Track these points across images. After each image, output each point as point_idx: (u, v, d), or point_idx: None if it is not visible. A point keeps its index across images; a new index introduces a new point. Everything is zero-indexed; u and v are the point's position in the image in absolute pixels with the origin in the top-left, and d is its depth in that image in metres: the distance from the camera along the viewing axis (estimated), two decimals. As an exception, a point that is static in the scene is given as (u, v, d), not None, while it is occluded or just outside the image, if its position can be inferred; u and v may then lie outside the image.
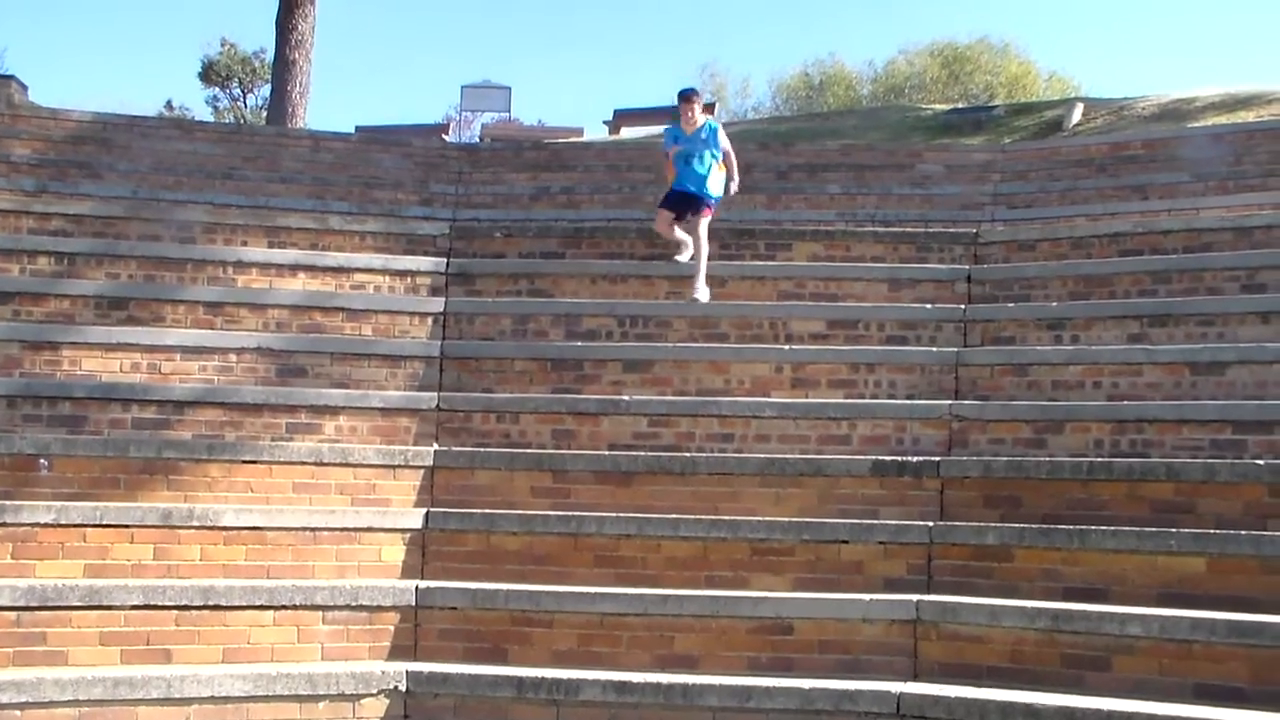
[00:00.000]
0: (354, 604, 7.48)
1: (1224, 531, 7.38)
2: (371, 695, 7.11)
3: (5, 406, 8.92)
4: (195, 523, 7.79)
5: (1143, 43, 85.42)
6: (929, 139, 18.58)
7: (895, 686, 6.98)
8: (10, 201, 12.00)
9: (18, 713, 6.64)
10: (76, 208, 12.08)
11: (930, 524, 7.99)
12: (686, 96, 11.52)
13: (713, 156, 11.21)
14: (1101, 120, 18.68)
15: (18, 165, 14.57)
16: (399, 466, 8.72)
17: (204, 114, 41.25)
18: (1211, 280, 10.33)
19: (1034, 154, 16.05)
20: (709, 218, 11.15)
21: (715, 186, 11.21)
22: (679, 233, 11.25)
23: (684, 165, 11.20)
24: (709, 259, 10.97)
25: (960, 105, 27.22)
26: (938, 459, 8.61)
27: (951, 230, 12.40)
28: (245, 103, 42.30)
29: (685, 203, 11.22)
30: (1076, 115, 18.95)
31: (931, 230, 12.54)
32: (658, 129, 23.92)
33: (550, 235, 12.17)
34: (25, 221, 11.47)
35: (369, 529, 8.11)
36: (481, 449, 9.07)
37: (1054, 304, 10.45)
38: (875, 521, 8.12)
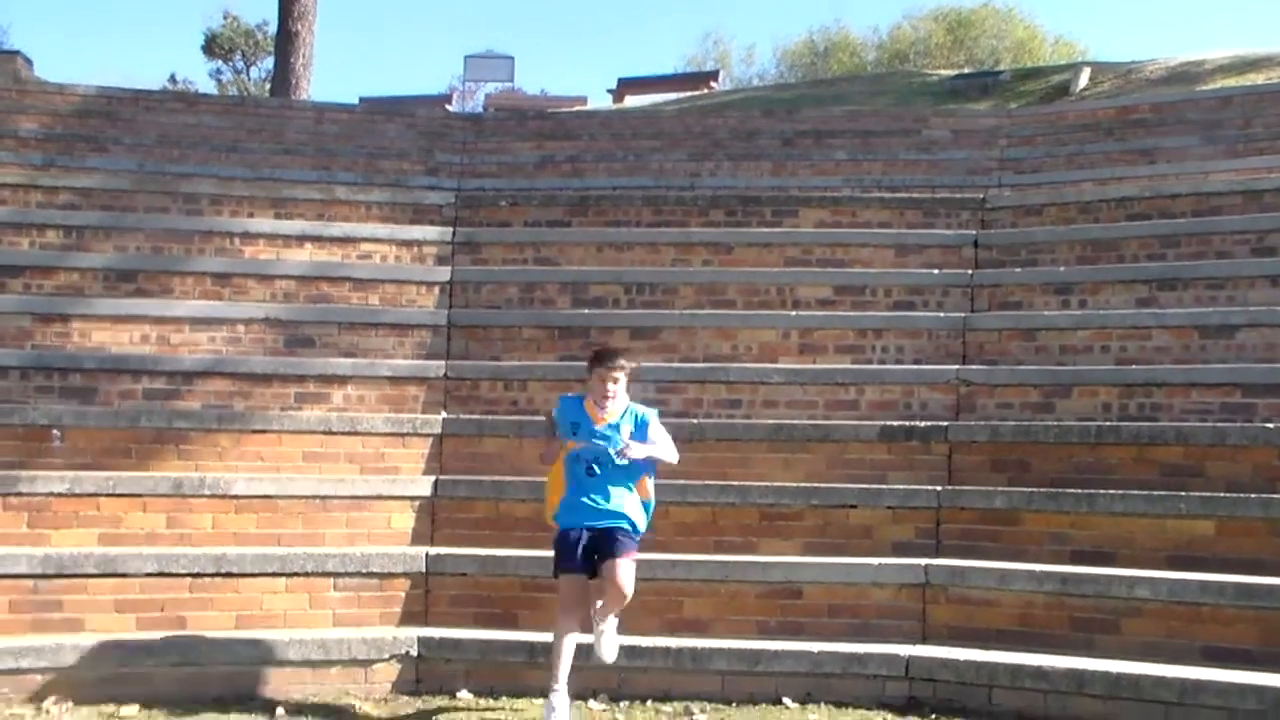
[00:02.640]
0: (365, 571, 7.52)
1: (1233, 494, 7.40)
2: (383, 661, 7.16)
3: (17, 378, 8.96)
4: (206, 491, 7.83)
5: (1151, 6, 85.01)
6: (935, 105, 18.52)
7: (904, 650, 7.02)
8: (19, 176, 12.03)
9: (38, 677, 6.71)
10: (84, 181, 12.11)
11: (938, 488, 8.02)
12: (606, 362, 6.70)
13: (639, 467, 6.65)
14: (1109, 84, 18.61)
15: (25, 140, 14.59)
16: (408, 435, 8.75)
17: (207, 87, 41.22)
18: (1220, 244, 10.31)
19: (1041, 118, 16.00)
20: (631, 560, 6.54)
21: (636, 511, 6.62)
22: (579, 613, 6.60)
23: (584, 475, 6.55)
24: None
25: (966, 70, 27.11)
26: (946, 424, 8.63)
27: (958, 195, 12.37)
28: (248, 75, 42.24)
29: (596, 545, 6.52)
30: (1084, 79, 18.88)
31: (938, 195, 12.53)
32: (663, 97, 24.03)
33: (556, 204, 12.18)
34: (34, 195, 11.54)
35: (378, 497, 8.14)
36: (490, 416, 9.09)
37: (1061, 268, 10.44)
38: (884, 486, 8.14)
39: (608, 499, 6.49)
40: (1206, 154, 13.77)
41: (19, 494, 7.57)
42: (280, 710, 6.67)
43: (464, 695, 7.02)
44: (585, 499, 6.50)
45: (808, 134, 15.93)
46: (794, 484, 8.17)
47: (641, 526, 6.59)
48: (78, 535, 7.59)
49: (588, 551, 6.45)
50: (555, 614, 6.54)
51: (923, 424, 8.63)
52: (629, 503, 6.55)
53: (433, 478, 8.36)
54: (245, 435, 8.53)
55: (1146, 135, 14.64)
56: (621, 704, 6.84)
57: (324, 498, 8.03)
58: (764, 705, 6.84)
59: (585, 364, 6.81)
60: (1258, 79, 16.89)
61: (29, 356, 9.19)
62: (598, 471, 6.50)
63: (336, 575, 7.48)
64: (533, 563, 7.52)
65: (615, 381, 6.63)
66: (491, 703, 6.92)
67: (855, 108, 17.96)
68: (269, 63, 28.34)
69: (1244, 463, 7.78)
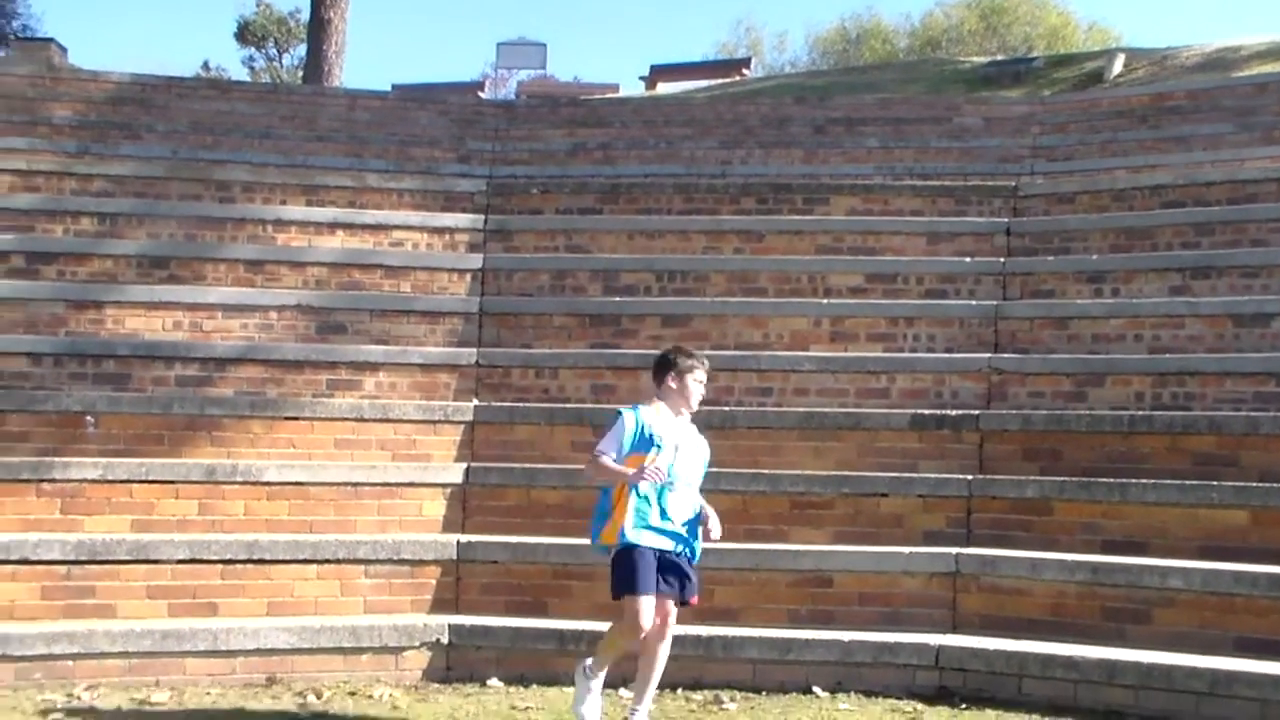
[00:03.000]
0: (396, 558, 7.55)
1: (1267, 484, 7.35)
2: (414, 648, 7.18)
3: (51, 365, 9.03)
4: (239, 478, 7.88)
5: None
6: (967, 92, 18.40)
7: (935, 639, 7.01)
8: (53, 163, 12.11)
9: (70, 663, 6.76)
10: (118, 169, 12.18)
11: (969, 477, 7.99)
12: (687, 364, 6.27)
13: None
14: (1143, 71, 18.45)
15: (59, 127, 14.68)
16: (439, 422, 8.77)
17: (240, 74, 41.35)
18: (1255, 232, 10.23)
19: (1074, 106, 15.88)
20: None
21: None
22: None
23: (664, 496, 5.94)
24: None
25: (999, 58, 26.91)
26: (977, 412, 8.60)
27: (990, 183, 12.30)
28: (281, 63, 42.40)
29: (672, 570, 5.99)
30: (1118, 66, 18.72)
31: (970, 183, 12.45)
32: (695, 84, 23.98)
33: (587, 191, 12.17)
34: (68, 183, 11.61)
35: (410, 484, 8.17)
36: (521, 404, 9.11)
37: (1094, 256, 10.37)
38: (915, 475, 8.12)
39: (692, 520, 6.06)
40: (1242, 141, 13.65)
41: (52, 480, 7.63)
42: (311, 697, 6.71)
43: (494, 683, 7.04)
44: (672, 519, 5.95)
45: (839, 121, 15.86)
46: (825, 472, 8.16)
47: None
48: (110, 522, 7.64)
49: (669, 569, 5.94)
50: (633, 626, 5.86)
51: (954, 412, 8.60)
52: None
53: (464, 465, 8.38)
54: (277, 422, 8.57)
55: (1181, 122, 14.52)
56: (651, 692, 6.84)
57: (355, 485, 8.06)
58: (794, 694, 6.84)
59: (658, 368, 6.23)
60: (1295, 65, 16.72)
61: (63, 343, 9.25)
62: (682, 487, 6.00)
63: (368, 562, 7.51)
64: (564, 550, 7.53)
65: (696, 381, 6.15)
66: (522, 690, 6.94)
67: (887, 95, 17.87)
68: (302, 50, 28.40)
69: (1278, 452, 7.72)
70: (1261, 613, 6.62)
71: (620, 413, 6.08)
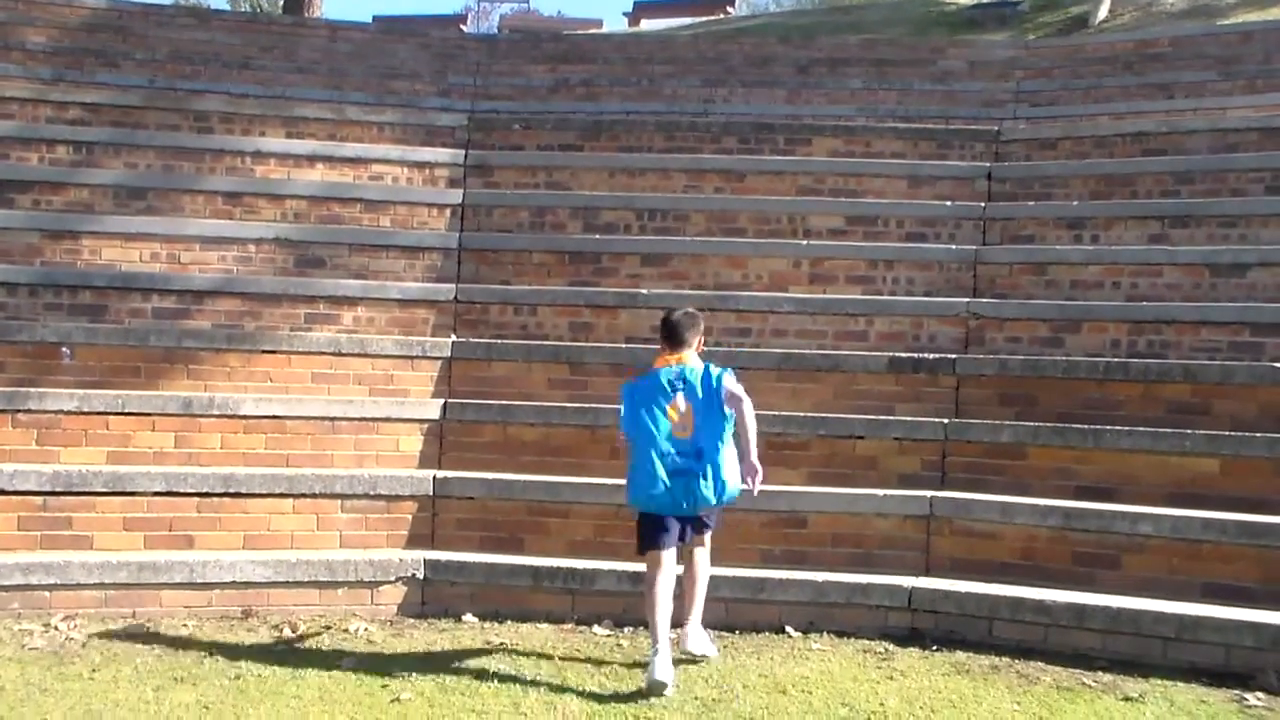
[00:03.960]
0: (372, 493, 7.56)
1: (1239, 433, 7.41)
2: (389, 582, 7.22)
3: (27, 295, 8.98)
4: (215, 411, 7.87)
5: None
6: (952, 34, 18.33)
7: (907, 581, 7.07)
8: (28, 90, 11.97)
9: (47, 594, 6.78)
10: (94, 96, 12.05)
11: (945, 421, 8.03)
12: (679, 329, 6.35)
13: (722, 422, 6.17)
14: (1129, 16, 18.40)
15: (33, 53, 14.48)
16: (417, 357, 8.78)
17: (220, 3, 40.82)
18: (1235, 181, 10.25)
19: (1058, 51, 15.83)
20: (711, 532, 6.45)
21: (730, 476, 6.17)
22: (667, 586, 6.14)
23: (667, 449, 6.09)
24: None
25: (984, 0, 26.80)
26: (954, 356, 8.63)
27: (973, 127, 12.29)
28: (262, -9, 41.83)
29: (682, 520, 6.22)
30: (1103, 11, 18.65)
31: (952, 127, 12.45)
32: (678, 21, 23.81)
33: (568, 128, 12.12)
34: (43, 110, 11.47)
35: (387, 419, 8.17)
36: (499, 340, 9.10)
37: (1074, 203, 10.39)
38: (891, 418, 8.16)
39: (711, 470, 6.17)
40: (1225, 90, 13.64)
41: (28, 411, 7.61)
42: (286, 630, 6.74)
43: (469, 618, 7.08)
44: (676, 472, 6.12)
45: (823, 62, 15.78)
46: (801, 414, 8.18)
47: (733, 491, 6.19)
48: (86, 453, 7.64)
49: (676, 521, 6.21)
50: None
51: (931, 356, 8.63)
52: (727, 468, 6.18)
53: (441, 401, 8.39)
54: (254, 355, 8.56)
55: (1165, 70, 14.49)
56: (625, 629, 6.89)
57: (333, 419, 8.06)
58: (767, 633, 6.90)
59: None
60: (1280, 14, 16.69)
61: (38, 273, 9.20)
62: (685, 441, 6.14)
63: (344, 497, 7.52)
64: (540, 487, 7.56)
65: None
66: (497, 626, 6.98)
67: (871, 36, 17.78)
68: (282, -21, 28.02)
69: (1250, 402, 7.78)
70: (1229, 559, 6.69)
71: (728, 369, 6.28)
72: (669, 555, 6.10)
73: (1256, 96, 13.10)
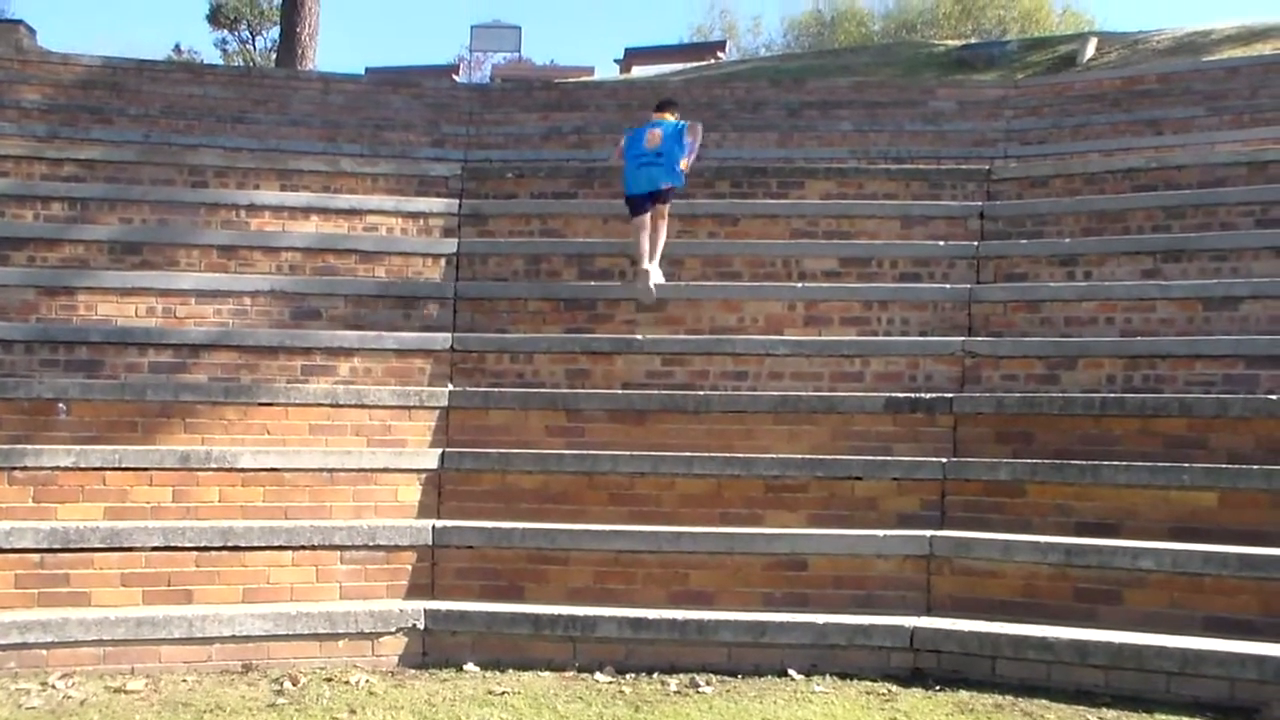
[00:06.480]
0: (371, 544, 7.54)
1: (1236, 466, 7.41)
2: (390, 634, 7.19)
3: (23, 351, 8.99)
4: (213, 464, 7.85)
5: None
6: (941, 75, 18.46)
7: (909, 621, 7.05)
8: (22, 147, 12.03)
9: (44, 652, 6.73)
10: (88, 153, 12.11)
11: (943, 460, 8.03)
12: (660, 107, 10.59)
13: (679, 146, 10.12)
14: (1115, 55, 18.53)
15: (28, 111, 14.57)
16: (414, 407, 8.77)
17: (212, 57, 41.22)
18: (1225, 215, 10.32)
19: (1047, 89, 15.96)
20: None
21: (680, 171, 10.16)
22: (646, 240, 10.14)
23: (643, 154, 10.17)
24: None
25: (973, 41, 27.01)
26: (950, 395, 8.64)
27: (964, 167, 12.37)
28: (254, 45, 42.23)
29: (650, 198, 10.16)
30: (1090, 50, 18.80)
31: (944, 167, 12.52)
32: (669, 67, 23.95)
33: (562, 175, 12.18)
34: (38, 167, 11.53)
35: (385, 469, 8.16)
36: (496, 389, 9.11)
37: (1067, 240, 10.44)
38: (889, 458, 8.15)
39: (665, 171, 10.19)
40: (1212, 125, 13.76)
41: (24, 468, 7.59)
42: (287, 683, 6.70)
43: (470, 668, 7.04)
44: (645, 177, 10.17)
45: (814, 105, 15.90)
46: (799, 456, 8.18)
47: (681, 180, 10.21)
48: (84, 509, 7.60)
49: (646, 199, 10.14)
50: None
51: (928, 396, 8.64)
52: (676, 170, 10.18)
53: (439, 450, 8.38)
54: (252, 408, 8.55)
55: (1153, 106, 14.61)
56: (628, 676, 6.86)
57: (331, 470, 8.05)
58: (770, 676, 6.86)
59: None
60: (1265, 49, 16.82)
61: (34, 329, 9.21)
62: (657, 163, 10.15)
63: (343, 548, 7.50)
64: (539, 534, 7.55)
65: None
66: (499, 675, 6.94)
67: (861, 78, 17.91)
68: (275, 32, 28.28)
69: (1247, 434, 7.79)
70: (1230, 592, 6.68)
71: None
72: (644, 219, 9.95)
73: (1244, 131, 13.22)
